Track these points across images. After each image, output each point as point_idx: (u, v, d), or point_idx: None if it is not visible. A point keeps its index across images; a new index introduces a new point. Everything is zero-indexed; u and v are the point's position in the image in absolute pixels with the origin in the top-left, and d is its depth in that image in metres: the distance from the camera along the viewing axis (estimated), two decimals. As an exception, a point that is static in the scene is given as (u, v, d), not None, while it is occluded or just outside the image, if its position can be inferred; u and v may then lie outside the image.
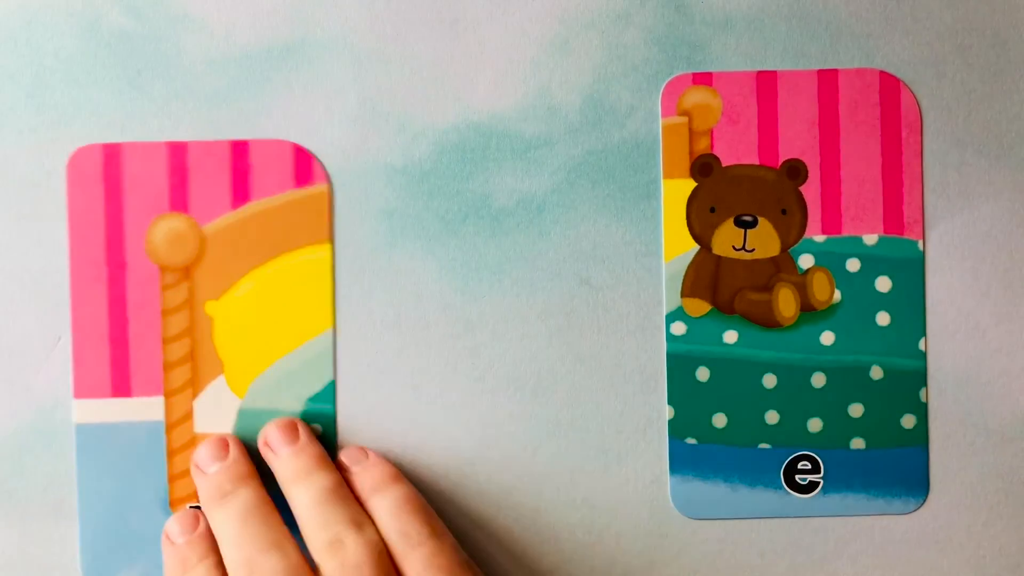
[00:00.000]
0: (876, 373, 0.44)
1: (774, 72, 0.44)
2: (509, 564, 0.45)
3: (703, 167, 0.44)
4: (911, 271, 0.44)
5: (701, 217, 0.44)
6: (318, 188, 0.44)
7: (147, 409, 0.44)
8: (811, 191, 0.44)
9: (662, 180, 0.44)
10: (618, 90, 0.45)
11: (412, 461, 0.45)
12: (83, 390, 0.44)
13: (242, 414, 0.44)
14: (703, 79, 0.44)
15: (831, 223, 0.44)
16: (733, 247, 0.44)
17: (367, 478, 0.42)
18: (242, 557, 0.40)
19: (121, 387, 0.44)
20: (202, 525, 0.42)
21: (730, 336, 0.44)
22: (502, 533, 0.45)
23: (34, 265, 0.44)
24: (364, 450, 0.43)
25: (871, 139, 0.44)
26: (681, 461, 0.44)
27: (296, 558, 0.40)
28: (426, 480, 0.44)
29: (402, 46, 0.45)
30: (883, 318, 0.44)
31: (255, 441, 0.44)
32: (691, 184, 0.44)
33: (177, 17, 0.44)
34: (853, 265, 0.44)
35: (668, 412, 0.44)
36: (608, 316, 0.45)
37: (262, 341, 0.44)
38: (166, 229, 0.43)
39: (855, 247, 0.44)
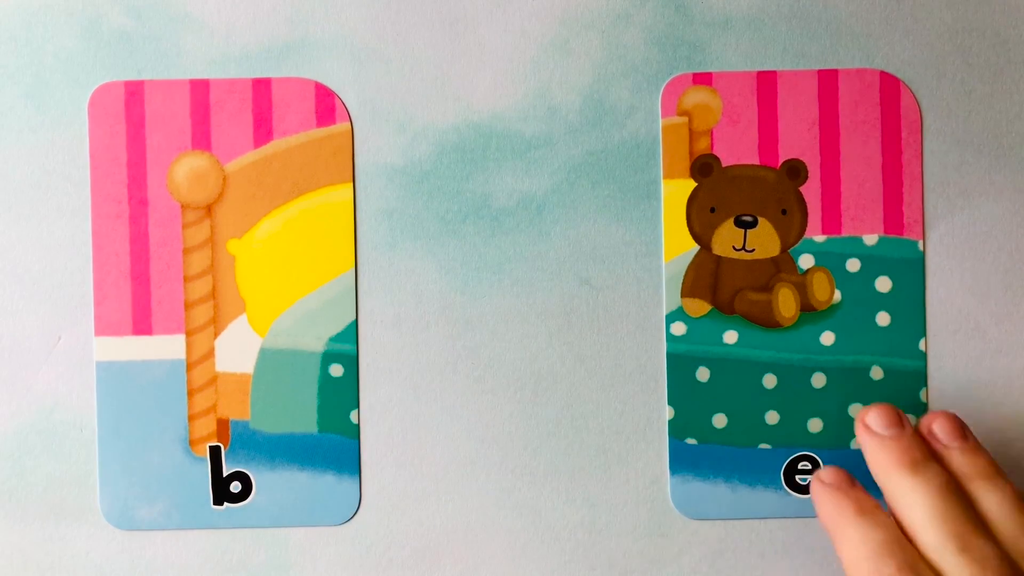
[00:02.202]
0: (876, 373, 0.44)
1: (774, 72, 0.44)
2: (509, 564, 0.45)
3: (703, 167, 0.44)
4: (911, 271, 0.44)
5: (701, 217, 0.44)
6: (340, 127, 0.44)
7: (168, 347, 0.44)
8: (811, 191, 0.44)
9: (662, 180, 0.44)
10: (618, 90, 0.45)
11: (412, 461, 0.45)
12: (104, 328, 0.44)
13: (263, 353, 0.44)
14: (703, 79, 0.44)
15: (831, 223, 0.44)
16: (733, 247, 0.44)
17: None
18: (953, 530, 0.38)
19: (142, 325, 0.44)
20: (859, 484, 0.41)
21: (730, 336, 0.44)
22: (502, 533, 0.45)
23: (34, 266, 0.44)
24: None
25: (871, 139, 0.44)
26: (681, 461, 0.44)
27: (1006, 552, 0.38)
28: (426, 479, 0.44)
29: (402, 46, 0.45)
30: (883, 318, 0.44)
31: (274, 378, 0.44)
32: (691, 184, 0.44)
33: (177, 17, 0.44)
34: (853, 265, 0.44)
35: (668, 412, 0.44)
36: (608, 316, 0.45)
37: (284, 280, 0.44)
38: (188, 167, 0.44)
39: (855, 247, 0.44)
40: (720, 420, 0.44)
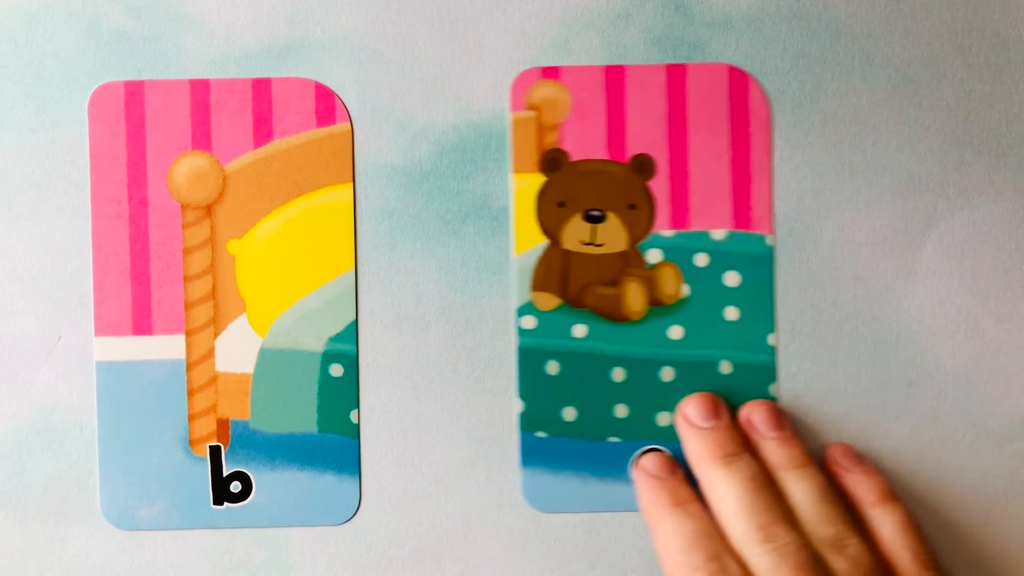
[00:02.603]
0: (725, 367, 0.44)
1: (622, 67, 0.44)
2: (509, 564, 0.45)
3: (551, 162, 0.44)
4: (760, 266, 0.44)
5: (550, 212, 0.44)
6: (340, 128, 0.44)
7: (168, 347, 0.44)
8: (659, 186, 0.44)
9: (511, 175, 0.44)
10: (618, 90, 0.45)
11: (412, 461, 0.45)
12: (104, 328, 0.44)
13: (263, 353, 0.44)
14: (551, 73, 0.44)
15: (679, 218, 0.44)
16: (582, 242, 0.44)
17: (872, 486, 0.43)
18: (757, 522, 0.40)
19: (142, 325, 0.44)
20: (681, 472, 0.43)
21: (579, 330, 0.44)
22: (502, 533, 0.45)
23: (34, 266, 0.44)
24: (858, 458, 0.44)
25: (720, 134, 0.44)
26: (532, 454, 0.44)
27: (807, 541, 0.40)
28: (426, 479, 0.44)
29: (402, 46, 0.45)
30: (731, 313, 0.44)
31: (274, 378, 0.44)
32: (540, 179, 0.44)
33: (177, 17, 0.44)
34: (701, 260, 0.44)
35: (518, 405, 0.44)
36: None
37: (284, 280, 0.44)
38: (188, 167, 0.44)
39: (703, 242, 0.44)
40: (570, 413, 0.44)
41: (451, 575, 0.44)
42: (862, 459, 0.44)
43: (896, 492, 0.43)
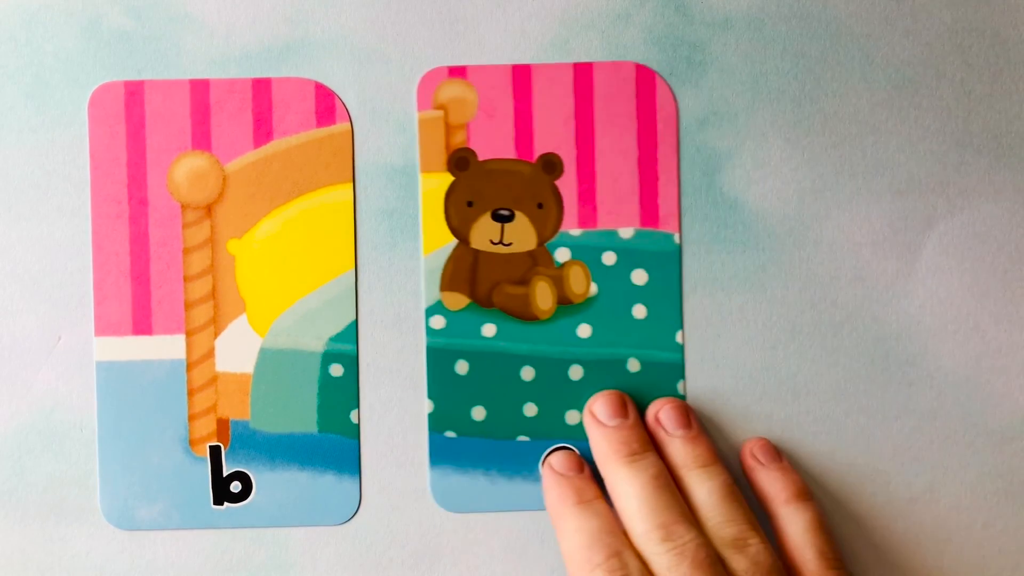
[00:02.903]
0: (633, 365, 0.44)
1: (528, 66, 0.44)
2: (509, 564, 0.45)
3: (460, 161, 0.44)
4: (667, 264, 0.44)
5: (459, 211, 0.44)
6: (340, 128, 0.44)
7: (168, 347, 0.44)
8: (567, 185, 0.44)
9: (420, 174, 0.44)
10: (618, 90, 0.45)
11: (412, 460, 0.45)
12: (104, 328, 0.44)
13: (263, 353, 0.44)
14: (458, 72, 0.44)
15: (587, 217, 0.44)
16: (491, 241, 0.44)
17: (785, 485, 0.43)
18: (658, 521, 0.40)
19: (142, 325, 0.44)
20: (588, 470, 0.43)
21: (488, 329, 0.44)
22: (502, 533, 0.45)
23: (34, 266, 0.44)
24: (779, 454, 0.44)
25: (627, 133, 0.44)
26: (441, 454, 0.44)
27: (707, 540, 0.40)
28: (426, 479, 0.44)
29: (402, 46, 0.45)
30: (639, 311, 0.44)
31: (274, 378, 0.44)
32: (449, 178, 0.44)
33: (177, 17, 0.44)
34: (609, 258, 0.44)
35: (427, 405, 0.44)
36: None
37: (284, 280, 0.44)
38: (188, 167, 0.44)
39: (611, 240, 0.44)
40: (479, 413, 0.44)
41: (451, 575, 0.45)
42: (779, 455, 0.44)
43: (810, 491, 0.43)
